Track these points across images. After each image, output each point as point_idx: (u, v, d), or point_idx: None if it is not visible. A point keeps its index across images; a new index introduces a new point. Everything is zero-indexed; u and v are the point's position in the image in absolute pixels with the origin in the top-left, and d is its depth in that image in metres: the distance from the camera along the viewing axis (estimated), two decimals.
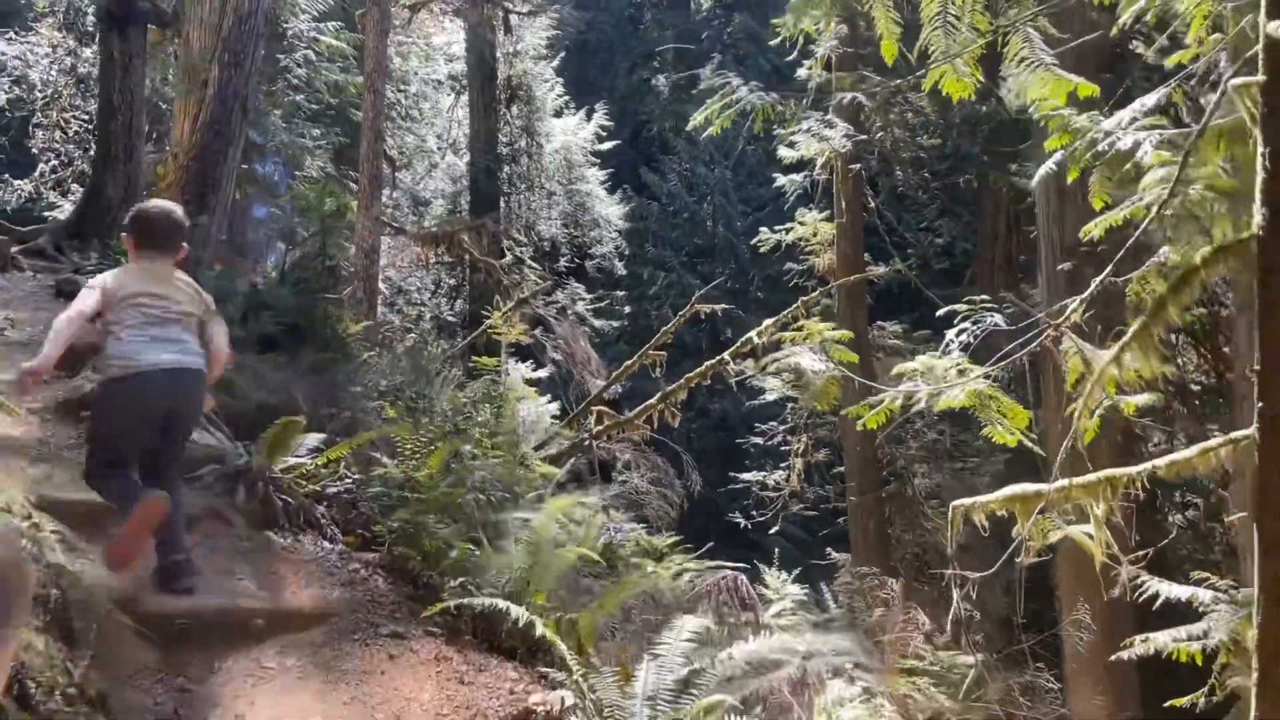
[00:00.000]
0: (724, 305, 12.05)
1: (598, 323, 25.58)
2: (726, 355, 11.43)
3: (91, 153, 16.72)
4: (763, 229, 16.51)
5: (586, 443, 12.41)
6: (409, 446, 6.42)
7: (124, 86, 11.77)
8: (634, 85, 29.46)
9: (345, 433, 8.92)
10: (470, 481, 6.81)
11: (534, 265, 23.37)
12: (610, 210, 25.66)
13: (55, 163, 23.53)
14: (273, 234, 19.96)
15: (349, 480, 6.39)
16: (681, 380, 11.73)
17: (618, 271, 26.35)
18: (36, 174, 23.11)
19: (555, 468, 12.18)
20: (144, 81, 12.21)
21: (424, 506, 5.94)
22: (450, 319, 24.69)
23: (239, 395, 8.10)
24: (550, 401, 20.95)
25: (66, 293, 8.85)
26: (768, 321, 11.26)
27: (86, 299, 4.27)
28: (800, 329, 8.39)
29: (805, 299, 11.15)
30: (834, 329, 8.16)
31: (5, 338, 6.98)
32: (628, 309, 26.15)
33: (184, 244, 4.79)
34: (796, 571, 11.08)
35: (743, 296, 25.24)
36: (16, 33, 24.97)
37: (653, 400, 11.99)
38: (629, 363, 12.39)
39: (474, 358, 12.60)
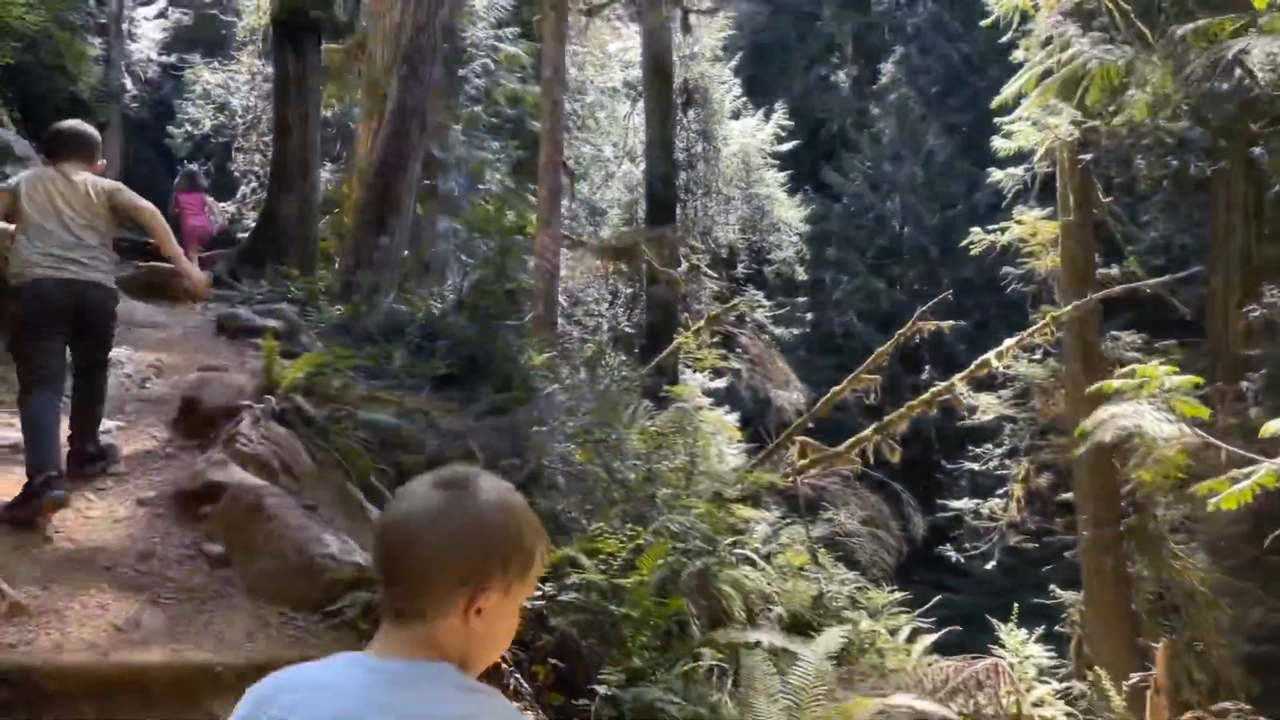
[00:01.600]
0: (949, 322, 9.97)
1: (778, 330, 23.75)
2: (957, 381, 9.40)
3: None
4: (973, 229, 14.30)
5: (790, 479, 10.57)
6: (614, 545, 4.73)
7: (298, 102, 10.65)
8: (812, 82, 27.36)
9: (527, 483, 7.41)
10: (685, 573, 5.11)
11: (711, 273, 21.73)
12: (790, 213, 23.74)
13: (255, 185, 23.39)
14: (453, 253, 18.92)
15: (537, 589, 4.75)
16: (903, 409, 9.76)
17: (798, 276, 24.38)
18: (238, 196, 23.08)
19: (757, 510, 10.45)
20: (319, 97, 11.08)
21: (633, 626, 4.28)
22: (628, 330, 23.26)
23: (411, 448, 6.63)
24: (731, 416, 19.01)
25: (229, 330, 7.63)
26: (1009, 341, 9.22)
27: None
28: (1129, 372, 6.30)
29: (1053, 313, 9.05)
30: (1174, 373, 5.97)
31: (146, 391, 5.70)
32: (809, 315, 24.15)
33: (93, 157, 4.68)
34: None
35: (930, 299, 22.83)
36: (221, 62, 24.98)
37: (866, 432, 10.05)
38: (836, 389, 10.49)
39: (665, 387, 10.96)
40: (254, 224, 11.53)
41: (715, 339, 12.34)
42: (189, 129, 24.07)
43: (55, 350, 4.33)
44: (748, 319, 19.93)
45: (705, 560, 8.12)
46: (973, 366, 9.28)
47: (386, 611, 1.31)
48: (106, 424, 4.95)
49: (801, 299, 24.21)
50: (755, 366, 12.23)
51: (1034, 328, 9.13)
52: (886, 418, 9.83)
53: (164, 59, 27.11)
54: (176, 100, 25.12)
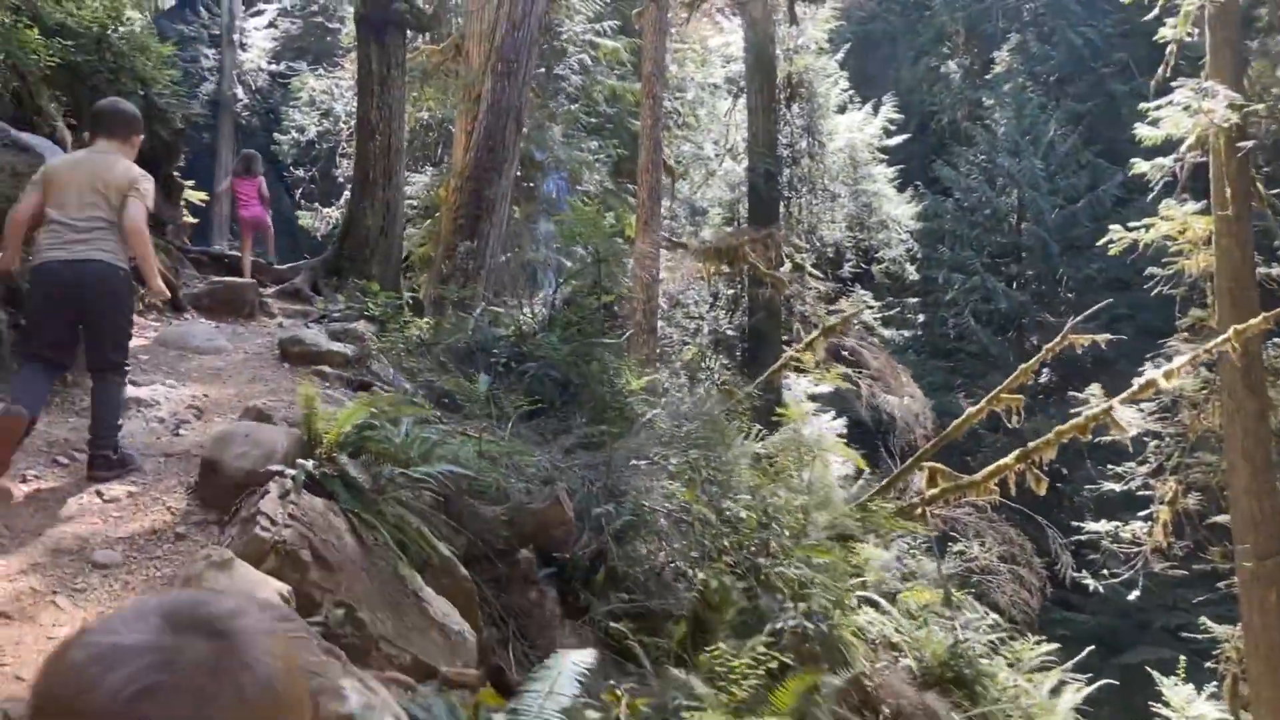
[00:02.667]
0: (1105, 336, 8.44)
1: (887, 333, 22.19)
2: (1117, 404, 7.90)
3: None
4: (1113, 226, 12.64)
5: (918, 510, 9.19)
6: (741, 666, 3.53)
7: (382, 102, 9.68)
8: (921, 73, 25.60)
9: (624, 532, 6.25)
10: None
11: (816, 273, 20.31)
12: (899, 210, 22.13)
13: None
14: (552, 258, 17.92)
15: None
16: (1051, 435, 8.29)
17: (909, 276, 22.75)
18: (341, 201, 22.69)
19: (879, 547, 9.10)
20: (404, 95, 10.12)
21: None
22: (730, 332, 22.00)
23: (489, 497, 5.54)
24: (837, 422, 17.59)
25: (291, 355, 6.64)
26: (1180, 360, 7.70)
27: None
28: None
29: (1237, 327, 7.48)
30: None
31: (177, 440, 4.70)
32: (920, 317, 22.51)
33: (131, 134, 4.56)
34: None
35: (1050, 299, 21.01)
36: (326, 68, 24.57)
37: (1008, 459, 8.61)
38: (972, 411, 9.05)
39: (778, 408, 9.68)
40: (338, 232, 10.60)
41: (830, 350, 10.97)
42: (295, 135, 23.72)
43: (60, 330, 4.21)
44: (859, 325, 18.53)
45: (829, 624, 6.86)
46: (1136, 387, 7.78)
47: None
48: (117, 489, 3.94)
49: (912, 299, 22.62)
50: (876, 381, 10.84)
51: (1213, 342, 7.59)
52: (1032, 444, 8.37)
53: (273, 68, 26.86)
54: (284, 107, 24.81)
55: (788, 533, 7.26)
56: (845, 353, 14.29)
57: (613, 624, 5.74)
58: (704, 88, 23.22)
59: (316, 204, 22.64)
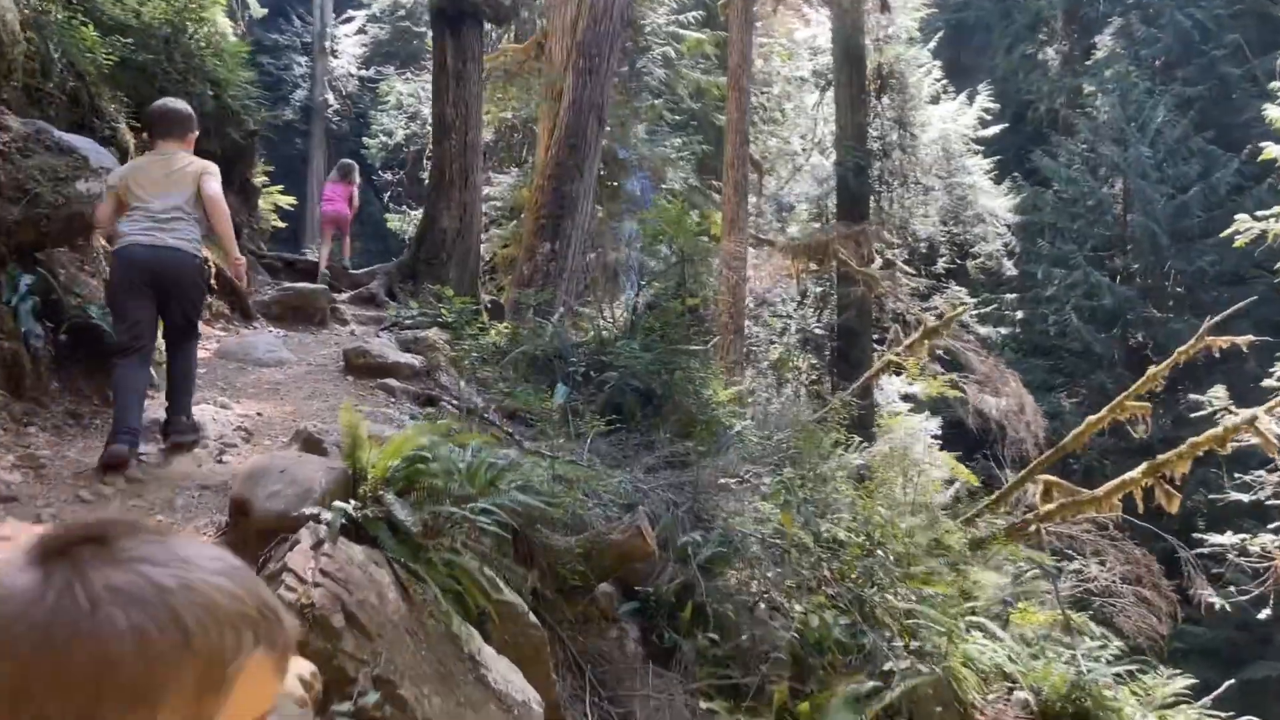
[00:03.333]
0: (1247, 338, 7.42)
1: (983, 330, 21.02)
2: (1262, 414, 6.90)
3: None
4: (1239, 216, 11.52)
5: (1032, 527, 8.29)
6: None
7: (458, 98, 9.15)
8: (1017, 61, 24.26)
9: (713, 561, 5.55)
10: None
11: (908, 269, 19.28)
12: (996, 202, 20.93)
13: None
14: (636, 257, 17.29)
15: None
16: (1184, 447, 7.32)
17: (1006, 271, 21.54)
18: (428, 193, 22.35)
19: (990, 570, 8.23)
20: (481, 91, 9.57)
21: None
22: (818, 331, 21.09)
23: (564, 527, 4.90)
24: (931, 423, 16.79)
25: (355, 367, 6.10)
26: None
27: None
28: None
29: None
30: None
31: (218, 469, 4.17)
32: (1019, 314, 21.25)
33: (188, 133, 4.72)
34: None
35: (1158, 294, 19.58)
36: (413, 72, 24.40)
37: (1134, 473, 7.66)
38: (1093, 419, 8.12)
39: (878, 421, 8.87)
40: (414, 234, 10.12)
41: (931, 353, 10.09)
42: (383, 139, 23.59)
43: (142, 310, 4.37)
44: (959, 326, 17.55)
45: (942, 662, 6.07)
46: None
47: None
48: None
49: (1009, 295, 21.39)
50: (983, 386, 9.93)
51: None
52: (1162, 458, 7.42)
53: (362, 73, 26.84)
54: (372, 111, 24.71)
55: (893, 557, 6.48)
56: (945, 354, 13.35)
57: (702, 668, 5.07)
58: (790, 81, 22.35)
59: (404, 206, 22.51)
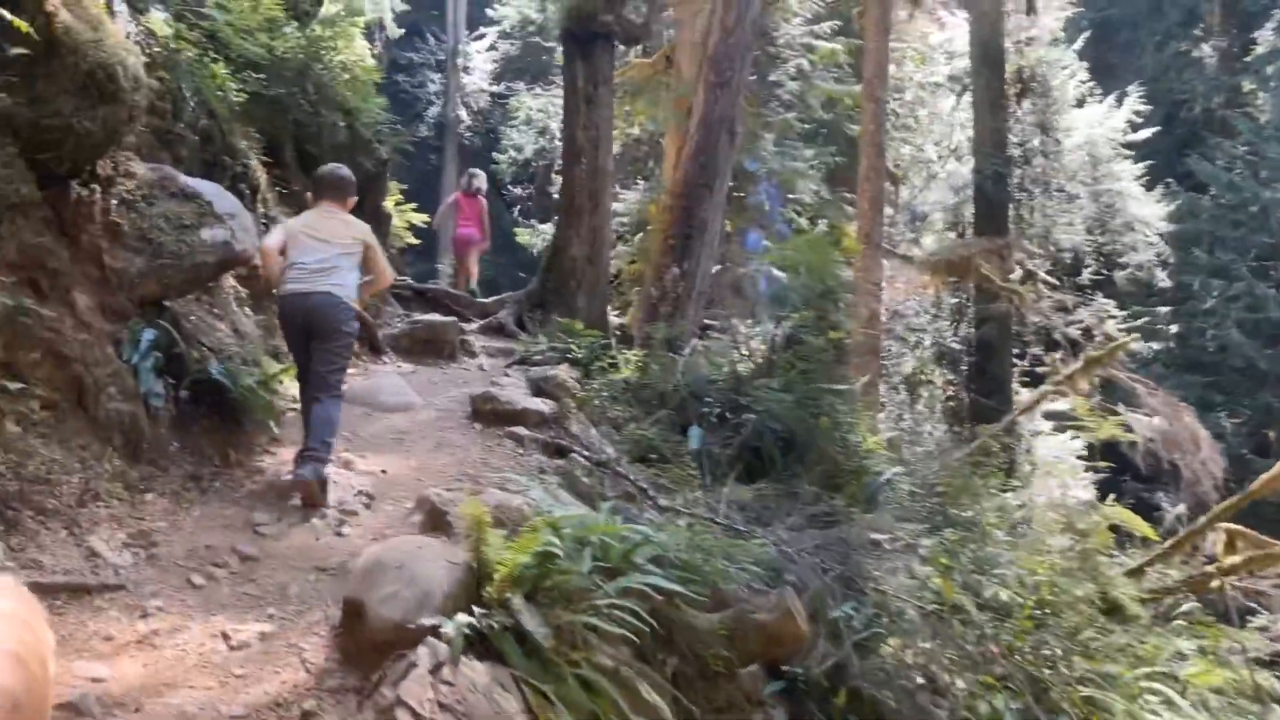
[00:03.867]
0: None
1: (1134, 345, 19.56)
2: None
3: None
4: None
5: (1214, 582, 7.35)
6: None
7: (588, 122, 8.75)
8: (1166, 60, 22.56)
9: (865, 645, 4.94)
10: None
11: (1051, 280, 18.04)
12: (1147, 210, 19.42)
13: None
14: (763, 273, 16.61)
15: None
16: None
17: (1159, 282, 19.97)
18: (557, 217, 22.27)
19: (1171, 634, 7.31)
20: (611, 114, 9.15)
21: None
22: (954, 345, 19.98)
23: (702, 601, 4.37)
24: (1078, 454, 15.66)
25: (483, 414, 5.72)
26: None
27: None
28: None
29: None
30: None
31: (337, 542, 3.81)
32: (1173, 328, 19.63)
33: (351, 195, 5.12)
34: None
35: None
36: (543, 86, 24.34)
37: None
38: None
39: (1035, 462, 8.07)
40: (543, 261, 9.77)
41: (1093, 383, 9.16)
42: (513, 154, 23.57)
43: (302, 354, 4.73)
44: (1095, 333, 16.33)
45: None
46: None
47: None
48: (249, 631, 3.06)
49: (1162, 308, 19.81)
50: (1151, 417, 8.93)
51: None
52: None
53: (493, 88, 26.95)
54: (502, 127, 24.74)
55: (1067, 626, 5.73)
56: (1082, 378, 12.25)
57: None
58: (924, 87, 21.29)
59: (533, 221, 22.42)
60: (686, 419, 6.74)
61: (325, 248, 4.70)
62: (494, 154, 24.07)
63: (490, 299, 9.42)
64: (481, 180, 10.40)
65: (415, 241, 15.58)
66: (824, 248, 7.49)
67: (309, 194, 5.65)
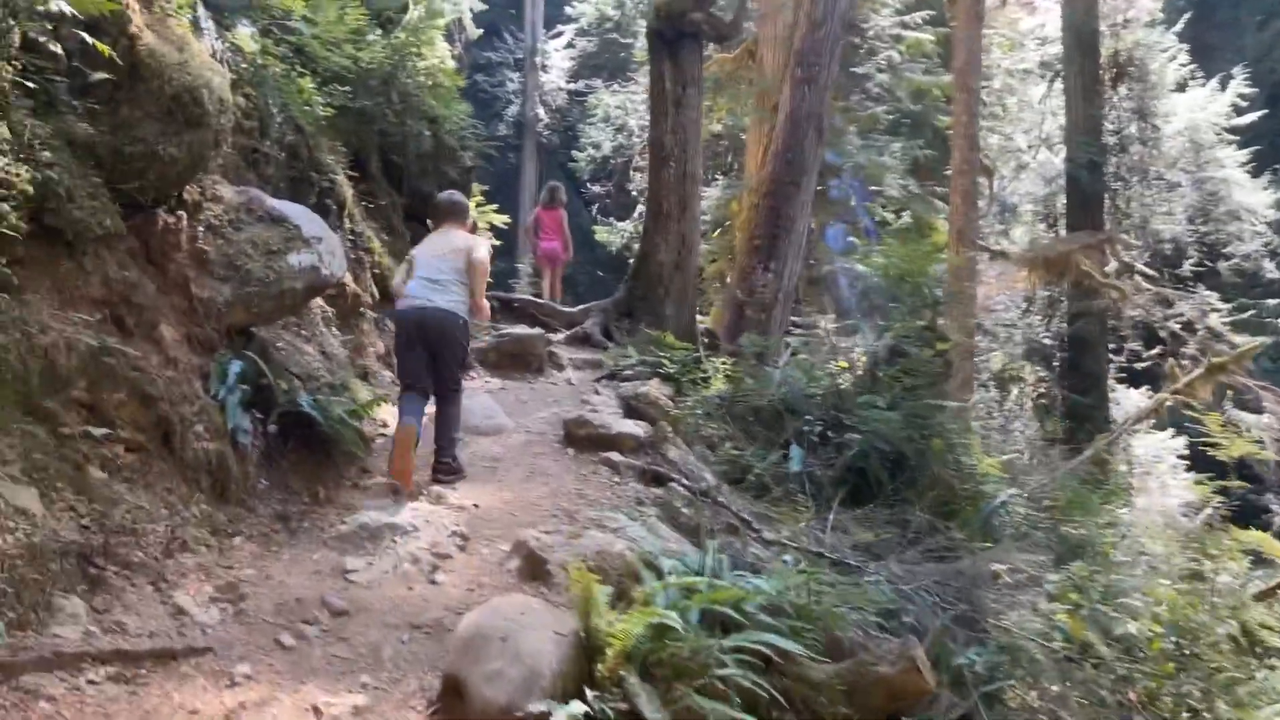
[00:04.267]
0: None
1: (1238, 338, 18.45)
2: None
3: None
4: None
5: None
6: None
7: (676, 124, 8.38)
8: (1270, 39, 21.28)
9: (992, 695, 4.50)
10: None
11: (1149, 271, 17.09)
12: (1254, 198, 18.24)
13: None
14: (844, 269, 16.08)
15: None
16: None
17: (1266, 274, 18.79)
18: (636, 215, 22.18)
19: None
20: (700, 116, 8.76)
21: None
22: (1046, 340, 19.11)
23: (818, 631, 4.01)
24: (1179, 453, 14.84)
25: (576, 439, 5.42)
26: None
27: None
28: None
29: None
30: None
31: (431, 592, 3.54)
32: None
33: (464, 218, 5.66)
34: None
35: None
36: (620, 83, 24.01)
37: None
38: None
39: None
40: (629, 269, 9.41)
41: (1214, 392, 8.48)
42: (591, 152, 23.31)
43: (418, 361, 5.00)
44: (1197, 326, 15.44)
45: None
46: None
47: None
48: (341, 705, 2.78)
49: (1270, 300, 18.65)
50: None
51: None
52: None
53: (571, 86, 26.73)
54: (581, 125, 24.49)
55: (1208, 668, 5.21)
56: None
57: None
58: (1012, 74, 20.39)
59: (611, 219, 22.14)
60: (784, 436, 6.36)
61: (443, 266, 5.09)
62: (572, 152, 23.85)
63: (576, 308, 9.13)
64: (562, 192, 10.19)
65: (497, 242, 15.43)
66: (928, 255, 6.98)
67: (428, 220, 6.27)
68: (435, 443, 4.88)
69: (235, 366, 4.05)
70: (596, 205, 23.97)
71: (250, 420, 4.05)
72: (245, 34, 5.53)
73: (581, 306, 9.09)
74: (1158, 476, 14.48)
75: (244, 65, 5.36)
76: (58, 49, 3.61)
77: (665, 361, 6.84)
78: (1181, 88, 19.00)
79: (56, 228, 3.51)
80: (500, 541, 4.01)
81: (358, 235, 6.30)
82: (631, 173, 22.15)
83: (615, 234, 21.69)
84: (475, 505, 4.41)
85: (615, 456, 5.15)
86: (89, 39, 3.63)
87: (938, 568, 5.15)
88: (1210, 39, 21.79)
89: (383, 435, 5.14)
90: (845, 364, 7.27)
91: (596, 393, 6.49)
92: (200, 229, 4.25)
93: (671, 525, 4.68)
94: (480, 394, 6.08)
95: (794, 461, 5.85)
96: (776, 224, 10.58)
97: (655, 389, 6.30)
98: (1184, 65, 19.02)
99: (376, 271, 6.52)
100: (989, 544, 5.49)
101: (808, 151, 11.00)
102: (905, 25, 13.00)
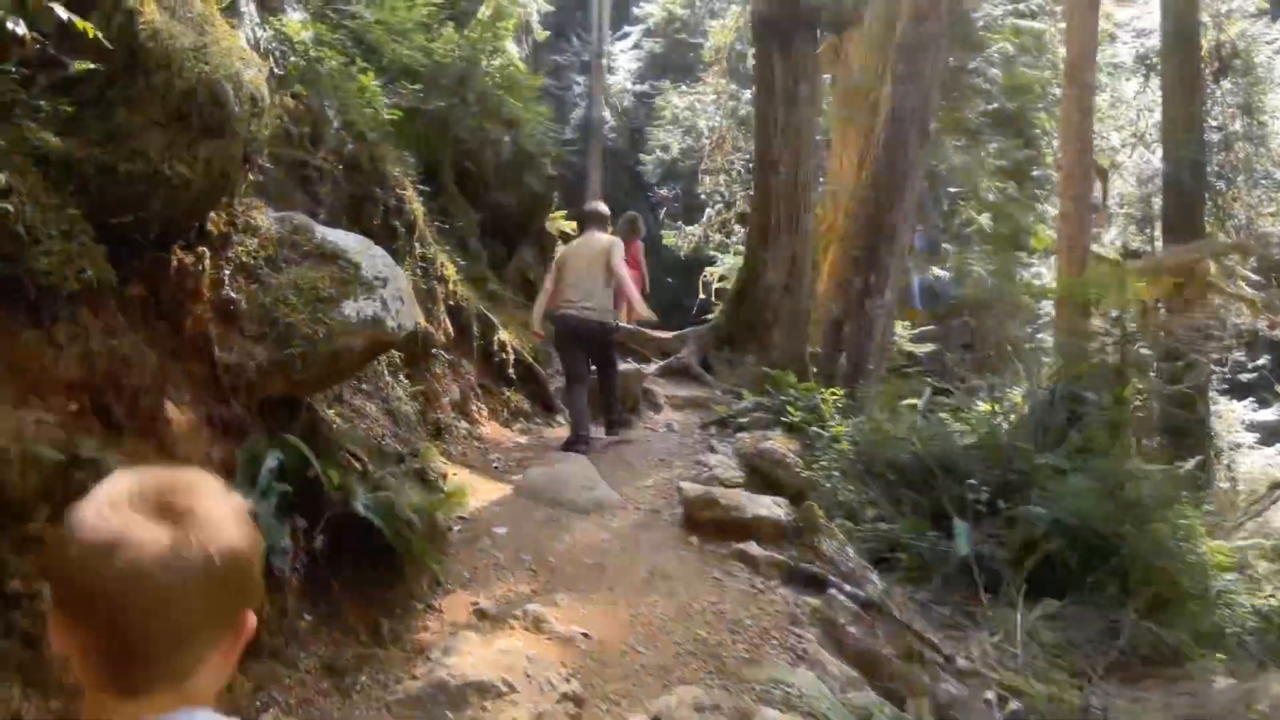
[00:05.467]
0: None
1: None
2: None
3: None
4: None
5: None
6: None
7: (788, 126, 7.09)
8: None
9: None
10: None
11: (1253, 276, 15.38)
12: None
13: (720, 205, 21.19)
14: (919, 275, 14.60)
15: None
16: None
17: None
18: (705, 219, 21.05)
19: None
20: (814, 116, 7.45)
21: None
22: (1143, 349, 17.42)
23: None
24: None
25: (700, 523, 4.17)
26: None
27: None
28: None
29: None
30: None
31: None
32: None
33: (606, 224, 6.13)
34: None
35: None
36: (688, 84, 22.75)
37: None
38: None
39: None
40: (731, 291, 8.09)
41: None
42: (659, 154, 22.08)
43: (578, 358, 5.77)
44: None
45: None
46: None
47: (110, 685, 0.82)
48: None
49: None
50: None
51: None
52: None
53: (637, 88, 25.50)
54: (648, 127, 23.26)
55: None
56: None
57: None
58: (1104, 69, 18.70)
59: (680, 223, 20.97)
60: (936, 497, 5.06)
61: (591, 270, 5.64)
62: (639, 155, 22.64)
63: (670, 334, 7.86)
64: (640, 223, 9.00)
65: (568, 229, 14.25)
66: (1124, 280, 5.62)
67: (577, 226, 6.80)
68: (602, 410, 5.86)
69: (271, 460, 2.88)
70: (664, 209, 22.73)
71: (290, 532, 2.88)
72: (295, 20, 4.38)
73: (676, 333, 7.81)
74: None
75: (293, 59, 4.21)
76: (19, 28, 2.47)
77: (790, 409, 5.56)
78: None
79: (13, 281, 2.37)
80: (626, 705, 2.79)
81: (429, 262, 5.13)
82: (700, 175, 20.98)
83: (684, 239, 20.56)
84: (585, 635, 3.18)
85: (753, 549, 3.90)
86: (65, 14, 2.48)
87: (1160, 685, 3.84)
88: None
89: (463, 520, 3.94)
90: (991, 405, 5.92)
91: (711, 449, 5.23)
92: (227, 271, 3.10)
93: (835, 649, 3.44)
94: (576, 458, 4.84)
95: (960, 541, 4.54)
96: (877, 233, 9.24)
97: (781, 444, 5.04)
98: None
99: (451, 303, 5.34)
100: (1221, 656, 4.13)
101: (911, 154, 9.62)
102: (1019, 14, 11.48)
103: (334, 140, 4.40)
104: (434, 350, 5.04)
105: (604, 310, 5.62)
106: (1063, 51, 13.27)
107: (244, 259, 3.18)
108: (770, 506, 4.16)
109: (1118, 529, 4.41)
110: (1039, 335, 15.76)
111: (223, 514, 0.84)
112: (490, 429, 5.31)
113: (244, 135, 2.95)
